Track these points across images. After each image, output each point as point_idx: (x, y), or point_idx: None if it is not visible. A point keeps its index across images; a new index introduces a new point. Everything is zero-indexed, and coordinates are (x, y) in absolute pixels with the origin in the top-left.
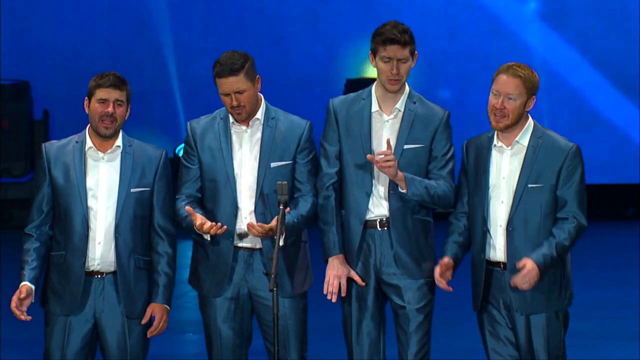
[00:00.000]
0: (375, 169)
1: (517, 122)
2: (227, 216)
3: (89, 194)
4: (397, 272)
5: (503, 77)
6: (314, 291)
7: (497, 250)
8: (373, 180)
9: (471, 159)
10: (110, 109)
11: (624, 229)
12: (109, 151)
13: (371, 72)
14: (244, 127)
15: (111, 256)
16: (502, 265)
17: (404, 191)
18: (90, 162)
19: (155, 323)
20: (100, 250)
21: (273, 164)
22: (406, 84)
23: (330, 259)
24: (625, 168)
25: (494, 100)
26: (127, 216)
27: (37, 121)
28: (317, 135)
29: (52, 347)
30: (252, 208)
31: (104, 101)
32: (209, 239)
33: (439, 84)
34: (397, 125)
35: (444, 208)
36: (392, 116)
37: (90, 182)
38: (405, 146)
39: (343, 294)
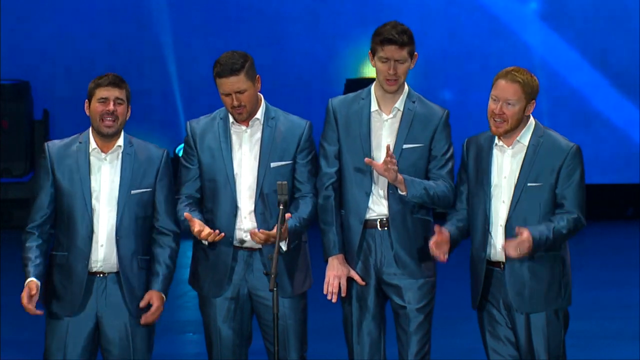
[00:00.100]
0: (373, 168)
1: (517, 126)
2: (226, 216)
3: (93, 196)
4: (398, 272)
5: (502, 83)
6: (314, 291)
7: (498, 249)
8: (372, 180)
9: (471, 157)
10: (111, 107)
11: (624, 229)
12: (110, 151)
13: (371, 72)
14: (243, 127)
15: (113, 258)
16: (501, 265)
17: (403, 194)
18: (93, 164)
19: (152, 309)
20: (103, 253)
21: (273, 164)
22: (405, 83)
23: (330, 259)
24: (625, 168)
25: (493, 105)
26: (128, 218)
27: (37, 121)
28: (317, 135)
29: (53, 347)
30: (252, 208)
31: (104, 100)
32: (207, 243)
33: (440, 85)
34: (397, 125)
35: (443, 208)
36: (391, 116)
37: (93, 184)
38: (405, 146)
39: (343, 294)
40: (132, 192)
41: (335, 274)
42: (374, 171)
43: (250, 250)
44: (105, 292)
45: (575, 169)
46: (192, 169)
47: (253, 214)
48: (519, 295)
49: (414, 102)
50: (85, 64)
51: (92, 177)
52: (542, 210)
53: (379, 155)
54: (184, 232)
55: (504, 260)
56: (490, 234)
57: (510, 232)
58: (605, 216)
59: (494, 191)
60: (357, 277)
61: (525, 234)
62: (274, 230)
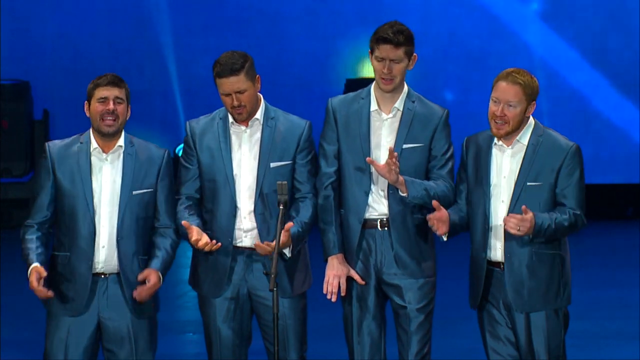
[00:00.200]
0: (374, 167)
1: (518, 127)
2: (226, 216)
3: (94, 197)
4: (398, 272)
5: (503, 85)
6: (313, 291)
7: (498, 250)
8: (372, 179)
9: (471, 157)
10: (111, 106)
11: (624, 229)
12: (111, 152)
13: (371, 71)
14: (243, 127)
15: (115, 259)
16: (501, 266)
17: (404, 195)
18: (94, 165)
19: (148, 284)
20: (105, 254)
21: (273, 164)
22: (405, 83)
23: (329, 259)
24: (625, 168)
25: (494, 107)
26: (129, 219)
27: (37, 121)
28: (317, 135)
29: (54, 347)
30: (252, 208)
31: (104, 100)
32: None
33: (441, 85)
34: (396, 125)
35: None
36: (390, 115)
37: (94, 185)
38: (404, 146)
39: (342, 294)
40: (134, 192)
41: (335, 274)
42: (374, 170)
43: (250, 250)
44: (106, 293)
45: (575, 168)
46: (191, 169)
47: (253, 214)
48: (518, 294)
49: (413, 101)
50: (85, 64)
51: (94, 178)
52: (541, 209)
53: (379, 154)
54: (182, 236)
55: (503, 260)
56: (490, 233)
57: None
58: (605, 216)
59: (493, 191)
60: (356, 277)
61: (529, 215)
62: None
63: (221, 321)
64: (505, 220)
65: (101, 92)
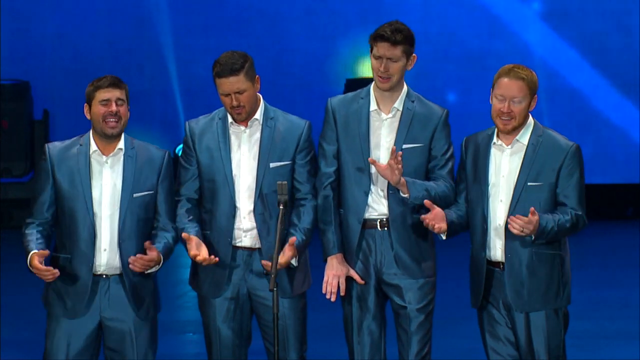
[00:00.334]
0: (373, 167)
1: (523, 122)
2: (225, 216)
3: (94, 200)
4: (398, 272)
5: (505, 81)
6: (313, 291)
7: (497, 249)
8: (371, 179)
9: (470, 156)
10: (113, 108)
11: (624, 229)
12: (111, 154)
13: (371, 71)
14: (242, 128)
15: (117, 262)
16: (501, 266)
17: (405, 196)
18: (94, 167)
19: (146, 257)
20: (106, 257)
21: (272, 164)
22: (405, 83)
23: (329, 259)
24: (625, 168)
25: (499, 104)
26: (130, 221)
27: (37, 121)
28: (317, 135)
29: (54, 347)
30: (251, 208)
31: (106, 102)
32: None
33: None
34: (396, 125)
35: (445, 208)
36: (390, 115)
37: (94, 188)
38: (404, 146)
39: (342, 294)
40: (135, 195)
41: (334, 274)
42: (373, 170)
43: (250, 250)
44: (108, 293)
45: (575, 168)
46: (190, 169)
47: (252, 214)
48: (518, 294)
49: (413, 101)
50: (85, 64)
51: (94, 181)
52: (542, 209)
53: (378, 154)
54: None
55: (503, 260)
56: (489, 233)
57: (509, 231)
58: (605, 216)
59: (492, 190)
60: (356, 277)
61: (536, 216)
62: (286, 257)
63: (221, 321)
64: (510, 221)
65: (103, 94)
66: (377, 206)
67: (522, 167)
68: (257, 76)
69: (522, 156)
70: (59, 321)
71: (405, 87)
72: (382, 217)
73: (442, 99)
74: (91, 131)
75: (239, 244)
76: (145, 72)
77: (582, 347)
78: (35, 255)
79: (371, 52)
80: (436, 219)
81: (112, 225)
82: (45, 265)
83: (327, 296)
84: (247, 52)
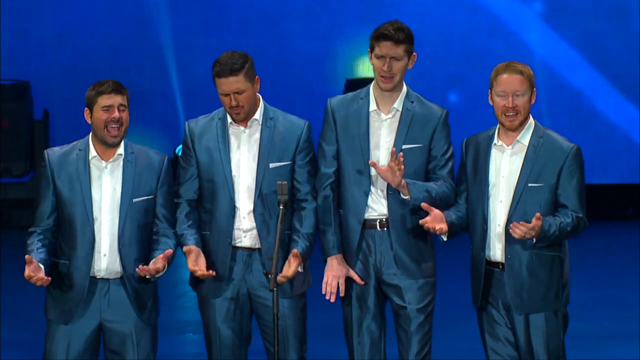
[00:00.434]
0: (373, 169)
1: (527, 117)
2: (225, 216)
3: (94, 206)
4: (398, 273)
5: (505, 77)
6: (313, 291)
7: (497, 249)
8: (371, 180)
9: (470, 157)
10: (116, 115)
11: (624, 229)
12: (111, 160)
13: (371, 71)
14: (242, 128)
15: (117, 266)
16: (500, 266)
17: (406, 197)
18: (94, 173)
19: (152, 268)
20: (106, 262)
21: (272, 165)
22: (404, 83)
23: (328, 259)
24: (625, 168)
25: (502, 101)
26: (130, 227)
27: (37, 121)
28: (316, 135)
29: (53, 349)
30: (251, 208)
31: (108, 108)
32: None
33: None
34: (395, 125)
35: (445, 208)
36: (390, 116)
37: (94, 193)
38: (404, 146)
39: (341, 295)
40: (134, 200)
41: (334, 274)
42: (373, 170)
43: (250, 250)
44: (108, 295)
45: (576, 170)
46: (189, 170)
47: (252, 214)
48: (518, 295)
49: (412, 102)
50: (85, 64)
51: (93, 186)
52: (542, 210)
53: (378, 154)
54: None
55: (503, 260)
56: (489, 233)
57: (509, 231)
58: (605, 216)
59: (492, 191)
60: (356, 277)
61: (538, 224)
62: (292, 270)
63: (221, 321)
64: (512, 227)
65: (105, 100)
66: (377, 206)
67: (523, 168)
68: (257, 77)
69: (523, 157)
70: (56, 327)
71: (404, 87)
72: (381, 217)
73: (443, 100)
74: (90, 136)
75: (238, 244)
76: (145, 72)
77: (582, 347)
78: (26, 266)
79: (372, 52)
80: (435, 221)
81: (112, 231)
82: (46, 270)
83: (327, 297)
84: (247, 52)
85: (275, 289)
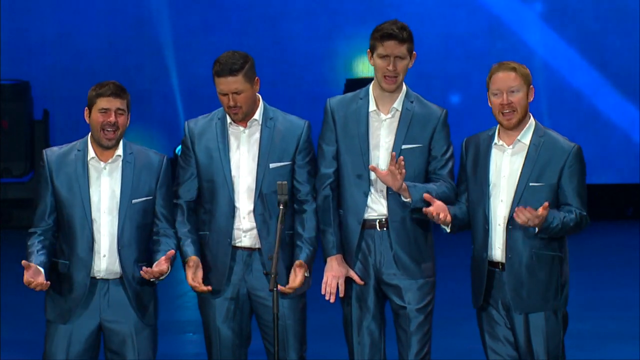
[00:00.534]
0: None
1: (525, 115)
2: (224, 216)
3: (93, 207)
4: (397, 273)
5: (499, 75)
6: (313, 291)
7: (497, 249)
8: (371, 180)
9: (470, 157)
10: (112, 119)
11: (624, 229)
12: (109, 161)
13: (371, 71)
14: (241, 128)
15: (116, 267)
16: (500, 266)
17: (407, 200)
18: (92, 174)
19: (156, 270)
20: (106, 263)
21: (272, 165)
22: (404, 83)
23: (328, 260)
24: (625, 168)
25: (497, 100)
26: (130, 227)
27: (37, 121)
28: (316, 135)
29: (53, 349)
30: (251, 208)
31: (105, 111)
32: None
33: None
34: (395, 125)
35: None
36: (389, 116)
37: (93, 194)
38: (404, 146)
39: (341, 295)
40: (133, 201)
41: (333, 275)
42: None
43: (250, 250)
44: (107, 295)
45: (577, 169)
46: (189, 170)
47: (252, 214)
48: (518, 295)
49: (412, 102)
50: (85, 64)
51: (92, 187)
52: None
53: (377, 154)
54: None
55: (503, 260)
56: (490, 233)
57: (513, 231)
58: (605, 216)
59: (492, 190)
60: (355, 277)
61: (543, 213)
62: (297, 281)
63: (221, 321)
64: (517, 211)
65: (103, 103)
66: (377, 207)
67: (524, 167)
68: (256, 78)
69: (524, 156)
70: (56, 328)
71: (404, 87)
72: (381, 217)
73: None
74: (89, 136)
75: (238, 244)
76: (145, 72)
77: (582, 347)
78: (25, 271)
79: (373, 52)
80: (438, 210)
81: (111, 232)
82: (45, 273)
83: (326, 297)
84: (248, 52)
85: (275, 289)
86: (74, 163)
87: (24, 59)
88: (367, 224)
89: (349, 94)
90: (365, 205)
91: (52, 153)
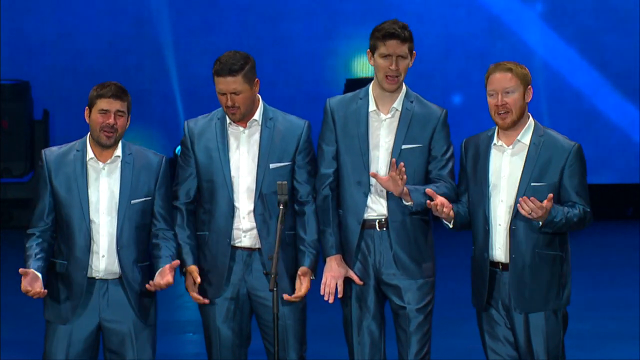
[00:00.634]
0: (372, 168)
1: (521, 115)
2: (224, 216)
3: (91, 207)
4: (397, 273)
5: (495, 76)
6: (313, 291)
7: (497, 249)
8: (370, 180)
9: (470, 157)
10: (111, 120)
11: (624, 229)
12: (108, 161)
13: (371, 71)
14: (241, 128)
15: (115, 267)
16: (500, 266)
17: (409, 204)
18: (91, 174)
19: (163, 282)
20: (105, 263)
21: (272, 165)
22: (404, 83)
23: (327, 260)
24: (625, 168)
25: (493, 100)
26: (128, 228)
27: (37, 121)
28: (316, 135)
29: (52, 350)
30: (251, 208)
31: (105, 112)
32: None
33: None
34: (395, 125)
35: None
36: (389, 116)
37: (91, 195)
38: (404, 146)
39: (339, 296)
40: (132, 201)
41: (332, 275)
42: (372, 171)
43: (250, 250)
44: (107, 294)
45: (578, 168)
46: (188, 169)
47: (252, 214)
48: (521, 295)
49: (411, 101)
50: (85, 64)
51: (90, 188)
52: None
53: (377, 154)
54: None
55: (503, 260)
56: (491, 233)
57: (515, 232)
58: (605, 216)
59: (492, 191)
60: (355, 278)
61: (548, 205)
62: (302, 291)
63: (221, 321)
64: (521, 201)
65: (103, 104)
66: (376, 207)
67: (525, 168)
68: (256, 79)
69: (524, 157)
70: (55, 328)
71: (404, 87)
72: (381, 217)
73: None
74: (88, 136)
75: (238, 244)
76: (145, 72)
77: (581, 347)
78: (22, 279)
79: (374, 51)
80: (440, 204)
81: (110, 232)
82: (43, 277)
83: (325, 297)
84: (248, 52)
85: (275, 289)
86: (72, 163)
87: (24, 59)
88: (366, 224)
89: (349, 94)
90: (365, 205)
91: (50, 153)
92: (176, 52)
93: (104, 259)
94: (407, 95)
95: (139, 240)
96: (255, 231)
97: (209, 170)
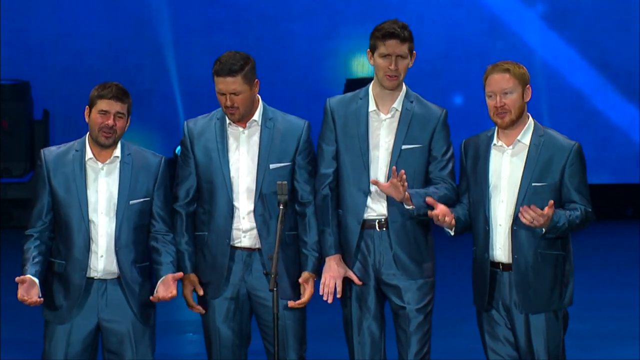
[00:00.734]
0: (372, 168)
1: (520, 115)
2: (223, 217)
3: (90, 207)
4: (397, 273)
5: (493, 77)
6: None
7: (497, 249)
8: (370, 180)
9: (470, 158)
10: (110, 122)
11: (624, 229)
12: (107, 162)
13: (371, 71)
14: (240, 129)
15: (114, 267)
16: (500, 266)
17: (410, 208)
18: (90, 174)
19: (168, 296)
20: (103, 264)
21: (272, 166)
22: (404, 83)
23: (327, 260)
24: (625, 168)
25: (491, 102)
26: (127, 228)
27: (37, 121)
28: (316, 135)
29: (51, 350)
30: (251, 208)
31: (104, 113)
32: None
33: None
34: (395, 125)
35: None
36: (389, 116)
37: (90, 195)
38: (403, 146)
39: (338, 296)
40: (131, 202)
41: (332, 275)
42: (372, 171)
43: (249, 250)
44: (105, 294)
45: (579, 167)
46: (187, 169)
47: (252, 214)
48: (525, 295)
49: (411, 102)
50: (85, 64)
51: (89, 188)
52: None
53: (377, 154)
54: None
55: (503, 260)
56: (491, 234)
57: (517, 232)
58: (605, 216)
59: (492, 191)
60: (354, 278)
61: (549, 212)
62: (306, 297)
63: (221, 321)
64: (522, 210)
65: (103, 105)
66: (376, 207)
67: (526, 168)
68: (256, 80)
69: (525, 157)
70: (55, 326)
71: (404, 87)
72: (380, 217)
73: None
74: (87, 136)
75: (237, 245)
76: (145, 72)
77: (582, 347)
78: (19, 286)
79: (374, 51)
80: (442, 213)
81: (109, 232)
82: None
83: (324, 297)
84: (248, 52)
85: (275, 289)
86: (71, 163)
87: (24, 59)
88: (366, 224)
89: (349, 94)
90: (364, 205)
91: (49, 153)
92: (176, 52)
93: (102, 259)
94: (407, 95)
95: (138, 240)
96: (255, 231)
97: (208, 171)
